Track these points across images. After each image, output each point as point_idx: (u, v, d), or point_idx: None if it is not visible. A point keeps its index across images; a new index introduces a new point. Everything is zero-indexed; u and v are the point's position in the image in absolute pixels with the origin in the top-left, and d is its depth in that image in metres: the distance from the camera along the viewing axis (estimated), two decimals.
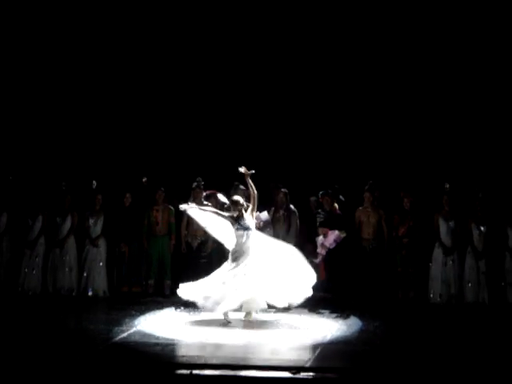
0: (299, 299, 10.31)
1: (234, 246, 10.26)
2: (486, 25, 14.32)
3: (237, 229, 10.21)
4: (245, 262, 10.09)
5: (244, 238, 10.17)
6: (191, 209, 10.78)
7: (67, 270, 12.81)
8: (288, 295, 10.28)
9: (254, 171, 10.41)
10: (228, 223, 10.35)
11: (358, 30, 14.81)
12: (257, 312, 10.44)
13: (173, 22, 15.11)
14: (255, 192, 10.28)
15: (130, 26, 15.12)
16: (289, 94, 15.03)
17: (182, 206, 10.78)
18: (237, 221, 10.21)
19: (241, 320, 10.29)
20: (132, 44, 15.18)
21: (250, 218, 10.26)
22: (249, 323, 10.20)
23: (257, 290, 10.09)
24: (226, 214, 10.43)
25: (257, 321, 10.30)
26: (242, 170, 10.40)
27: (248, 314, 10.40)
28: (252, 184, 10.30)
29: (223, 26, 14.97)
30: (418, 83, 14.68)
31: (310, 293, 10.26)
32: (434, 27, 14.54)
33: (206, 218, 10.72)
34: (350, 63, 14.86)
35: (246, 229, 10.18)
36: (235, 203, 10.31)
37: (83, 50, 15.18)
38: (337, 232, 11.72)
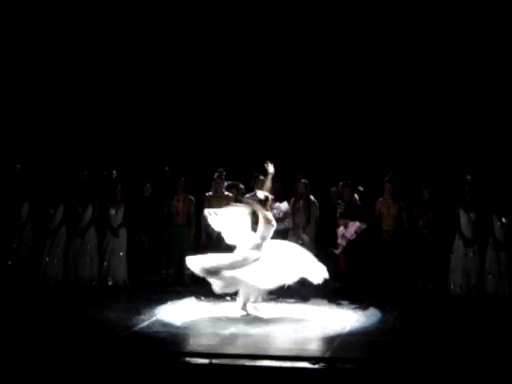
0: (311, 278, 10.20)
1: (259, 240, 10.19)
2: (498, 16, 14.29)
3: (271, 226, 10.12)
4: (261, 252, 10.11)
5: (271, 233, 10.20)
6: (212, 216, 10.47)
7: (88, 259, 12.87)
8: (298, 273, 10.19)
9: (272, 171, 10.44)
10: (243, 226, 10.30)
11: (375, 19, 14.78)
12: (256, 300, 10.34)
13: (191, 12, 15.15)
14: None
15: (148, 15, 15.19)
16: (309, 84, 15.04)
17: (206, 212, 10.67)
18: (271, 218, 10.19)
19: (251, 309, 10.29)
20: (155, 31, 15.23)
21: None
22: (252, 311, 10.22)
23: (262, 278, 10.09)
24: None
25: (263, 311, 10.27)
26: (270, 168, 10.42)
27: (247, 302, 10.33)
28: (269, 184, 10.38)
29: (242, 15, 14.99)
30: (440, 73, 14.65)
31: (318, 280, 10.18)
32: (449, 17, 14.50)
33: (224, 223, 10.48)
34: (372, 52, 14.84)
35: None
36: (269, 199, 10.29)
37: (106, 40, 15.26)
38: (358, 223, 11.70)
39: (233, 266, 9.95)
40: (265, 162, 10.51)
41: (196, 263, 10.12)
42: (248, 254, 10.01)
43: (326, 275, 10.09)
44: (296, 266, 10.08)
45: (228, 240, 10.39)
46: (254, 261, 9.96)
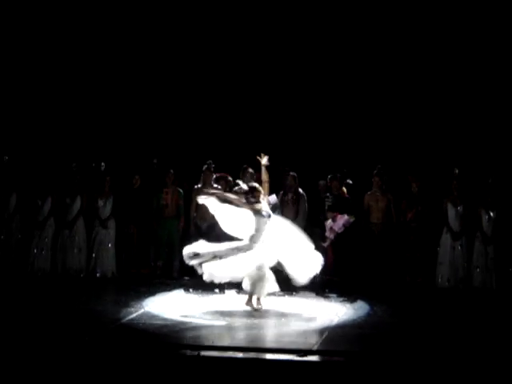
0: (305, 278, 10.18)
1: (253, 232, 10.10)
2: (491, 14, 14.33)
3: (261, 216, 10.06)
4: (260, 246, 10.06)
5: (266, 225, 10.09)
6: (207, 200, 10.43)
7: (76, 251, 12.85)
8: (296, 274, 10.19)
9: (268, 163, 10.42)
10: (239, 213, 10.22)
11: (366, 17, 14.79)
12: (264, 296, 10.32)
13: (189, 9, 15.14)
14: (267, 179, 10.32)
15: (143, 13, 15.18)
16: (298, 78, 15.02)
17: (201, 199, 10.63)
18: (259, 208, 10.10)
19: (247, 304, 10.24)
20: (147, 28, 15.19)
21: (266, 204, 10.25)
22: (255, 306, 10.14)
23: (266, 271, 10.03)
24: (243, 200, 10.21)
25: (262, 305, 10.20)
26: (264, 160, 10.38)
27: (253, 297, 10.27)
28: (266, 171, 10.32)
29: (238, 11, 14.98)
30: (428, 67, 14.65)
31: (315, 272, 10.17)
32: (439, 16, 14.53)
33: (220, 208, 10.38)
34: (360, 49, 14.83)
35: (269, 216, 10.13)
36: (256, 190, 10.19)
37: (99, 36, 15.21)
38: (346, 216, 11.71)
39: (226, 254, 9.92)
40: (258, 154, 10.49)
41: (190, 250, 10.08)
42: (242, 245, 10.00)
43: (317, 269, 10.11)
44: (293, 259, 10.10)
45: (226, 230, 10.33)
46: (248, 252, 9.95)
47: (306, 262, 10.07)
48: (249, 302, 10.07)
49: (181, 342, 8.07)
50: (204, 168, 12.30)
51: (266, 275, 10.00)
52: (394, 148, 14.40)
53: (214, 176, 12.30)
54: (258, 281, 10.00)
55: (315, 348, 7.84)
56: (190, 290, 11.43)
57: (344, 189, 12.22)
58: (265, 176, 10.42)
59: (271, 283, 10.09)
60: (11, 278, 12.38)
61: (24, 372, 7.13)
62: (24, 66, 15.23)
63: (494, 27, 14.28)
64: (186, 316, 9.50)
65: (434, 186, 12.96)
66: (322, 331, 8.75)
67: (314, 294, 11.37)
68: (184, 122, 15.11)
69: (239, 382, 7.06)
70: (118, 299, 10.64)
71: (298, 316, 9.76)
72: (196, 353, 7.49)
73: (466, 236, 12.34)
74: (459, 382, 7.00)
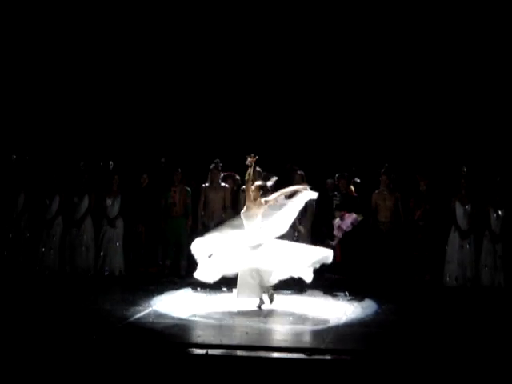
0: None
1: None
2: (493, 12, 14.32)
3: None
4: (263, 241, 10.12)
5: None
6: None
7: (84, 249, 12.86)
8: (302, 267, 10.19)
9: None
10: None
11: (375, 14, 14.77)
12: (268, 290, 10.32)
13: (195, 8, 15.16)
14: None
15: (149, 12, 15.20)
16: (306, 76, 15.01)
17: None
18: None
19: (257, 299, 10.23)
20: (155, 29, 15.21)
21: None
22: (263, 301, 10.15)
23: (270, 264, 10.05)
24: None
25: (271, 302, 10.22)
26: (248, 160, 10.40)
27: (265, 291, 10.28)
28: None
29: (244, 9, 14.98)
30: (436, 65, 14.64)
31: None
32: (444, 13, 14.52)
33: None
34: (369, 47, 14.82)
35: None
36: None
37: (107, 35, 15.23)
38: (354, 215, 11.69)
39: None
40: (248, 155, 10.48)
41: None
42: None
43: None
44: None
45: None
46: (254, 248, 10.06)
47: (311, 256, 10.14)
48: (260, 298, 10.10)
49: (188, 341, 8.10)
50: (211, 167, 12.32)
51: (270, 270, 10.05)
52: (402, 146, 14.38)
53: (222, 175, 12.31)
54: (264, 275, 10.05)
55: (323, 347, 7.85)
56: (198, 288, 11.43)
57: (352, 187, 12.22)
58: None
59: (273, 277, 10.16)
60: (20, 276, 12.40)
61: (32, 370, 7.16)
62: (31, 65, 15.26)
63: (500, 25, 14.27)
64: (193, 315, 9.52)
65: (442, 184, 12.93)
66: (329, 330, 8.76)
67: (321, 293, 11.36)
68: (191, 121, 15.12)
69: (247, 381, 7.07)
70: (126, 298, 10.65)
71: (305, 315, 9.75)
72: (204, 351, 7.50)
73: (475, 234, 12.30)
74: (466, 380, 7.00)
